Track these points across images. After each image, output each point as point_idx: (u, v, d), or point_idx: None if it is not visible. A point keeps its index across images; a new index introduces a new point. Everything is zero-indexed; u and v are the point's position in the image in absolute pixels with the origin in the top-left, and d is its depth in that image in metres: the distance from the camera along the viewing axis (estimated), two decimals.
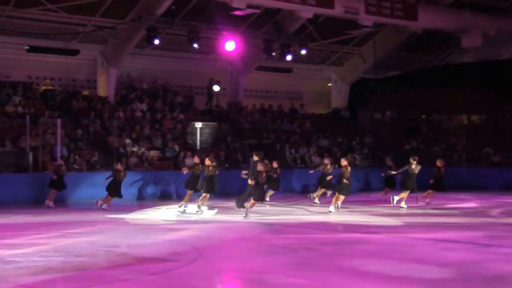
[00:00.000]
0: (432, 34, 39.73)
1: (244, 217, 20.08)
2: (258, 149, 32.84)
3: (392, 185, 27.26)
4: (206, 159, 23.28)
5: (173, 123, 34.17)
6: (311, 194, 26.19)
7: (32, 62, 34.68)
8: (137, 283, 11.12)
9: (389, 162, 28.16)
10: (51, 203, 24.18)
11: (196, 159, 23.52)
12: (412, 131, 41.60)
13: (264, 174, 20.71)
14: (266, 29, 36.29)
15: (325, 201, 25.41)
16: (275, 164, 27.30)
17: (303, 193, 29.66)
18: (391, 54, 42.38)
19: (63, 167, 25.06)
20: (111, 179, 23.69)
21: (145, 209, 23.85)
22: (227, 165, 24.60)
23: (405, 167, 24.62)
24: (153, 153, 31.21)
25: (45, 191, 24.79)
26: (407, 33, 39.22)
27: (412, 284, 10.98)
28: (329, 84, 44.88)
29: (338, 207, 22.64)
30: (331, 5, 32.70)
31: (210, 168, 22.75)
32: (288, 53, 35.90)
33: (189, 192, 23.08)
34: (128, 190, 27.96)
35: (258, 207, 23.56)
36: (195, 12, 33.47)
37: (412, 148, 38.83)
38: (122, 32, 33.59)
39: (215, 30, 33.91)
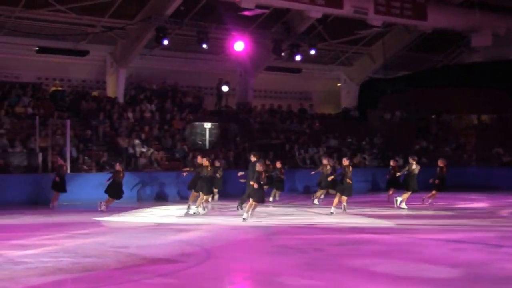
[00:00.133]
0: (442, 34, 39.60)
1: (244, 219, 19.60)
2: (268, 149, 32.98)
3: (397, 186, 26.83)
4: (204, 159, 22.85)
5: (182, 123, 34.17)
6: (314, 195, 26.05)
7: (42, 63, 34.77)
8: (146, 284, 11.09)
9: (392, 162, 27.95)
10: (55, 204, 24.16)
11: (200, 160, 23.05)
12: (421, 131, 41.52)
13: (263, 175, 20.11)
14: (275, 29, 36.27)
15: (324, 202, 25.31)
16: (278, 164, 27.16)
17: (306, 193, 29.51)
18: (401, 54, 42.30)
19: (64, 168, 24.91)
20: (111, 180, 23.24)
21: (150, 210, 23.90)
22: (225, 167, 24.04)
23: (406, 168, 24.41)
24: (162, 154, 31.24)
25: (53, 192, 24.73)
26: (417, 32, 39.16)
27: (422, 284, 10.92)
28: (339, 84, 44.84)
29: (344, 209, 22.21)
30: (340, 5, 32.67)
31: (209, 168, 22.36)
32: (297, 53, 35.87)
33: (194, 193, 22.79)
34: (139, 191, 28.11)
35: (263, 207, 23.57)
36: (204, 12, 33.48)
37: (421, 148, 38.78)
38: (131, 32, 33.64)
39: (224, 30, 33.95)
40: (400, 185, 25.06)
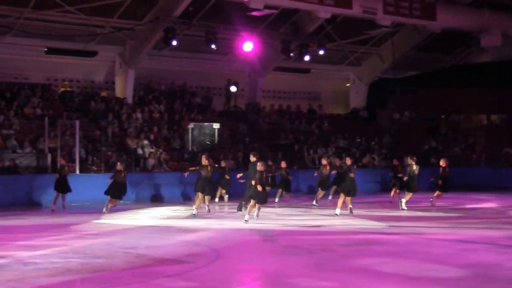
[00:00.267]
0: (451, 34, 39.50)
1: (245, 221, 19.21)
2: (276, 150, 32.94)
3: (399, 186, 26.43)
4: (203, 157, 22.31)
5: (189, 124, 34.05)
6: (319, 197, 25.84)
7: (51, 63, 34.88)
8: (155, 284, 11.09)
9: (395, 161, 27.74)
10: (53, 206, 23.75)
11: (204, 160, 22.20)
12: (431, 131, 41.42)
13: (264, 175, 19.67)
14: (284, 30, 36.26)
15: (323, 203, 25.20)
16: (283, 164, 26.92)
17: (310, 194, 29.38)
18: (410, 54, 42.23)
19: (66, 168, 24.61)
20: (113, 180, 22.70)
21: (159, 210, 23.93)
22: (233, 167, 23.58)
23: (408, 170, 23.91)
24: (170, 154, 31.26)
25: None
26: (426, 32, 39.09)
27: (431, 284, 10.88)
28: (348, 84, 44.80)
29: (351, 212, 21.73)
30: (349, 5, 32.64)
31: (209, 168, 21.78)
32: (306, 53, 35.87)
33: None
34: (144, 191, 28.10)
35: (269, 208, 23.58)
36: (212, 13, 33.50)
37: (431, 149, 38.69)
38: (140, 33, 33.69)
39: (232, 30, 33.97)
40: (402, 186, 24.63)
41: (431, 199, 25.07)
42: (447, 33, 38.97)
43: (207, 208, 22.12)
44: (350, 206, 21.90)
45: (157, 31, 32.44)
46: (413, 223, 19.86)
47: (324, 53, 36.69)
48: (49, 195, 24.98)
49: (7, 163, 26.74)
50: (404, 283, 11.01)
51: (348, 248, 14.87)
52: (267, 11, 32.71)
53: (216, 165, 24.26)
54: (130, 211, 23.67)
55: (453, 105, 42.52)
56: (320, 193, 25.85)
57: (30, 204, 25.08)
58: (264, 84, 40.52)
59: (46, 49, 33.80)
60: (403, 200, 23.51)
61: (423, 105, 43.15)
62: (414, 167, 23.45)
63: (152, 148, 31.01)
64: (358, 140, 38.77)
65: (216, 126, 33.99)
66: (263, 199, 19.73)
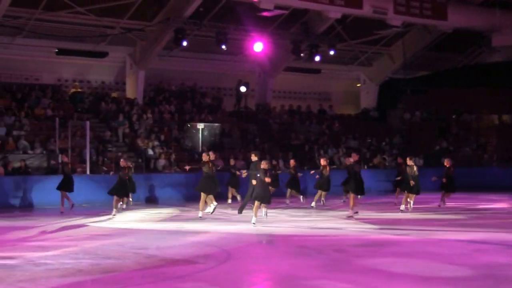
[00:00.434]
0: (462, 34, 39.37)
1: (253, 223, 18.80)
2: (288, 150, 32.86)
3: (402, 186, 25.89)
4: (204, 154, 21.68)
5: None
6: (322, 198, 25.50)
7: (61, 64, 35.00)
8: (166, 285, 11.08)
9: (399, 160, 27.40)
10: (62, 208, 23.36)
11: (205, 157, 21.34)
12: (442, 132, 41.29)
13: (267, 173, 18.98)
14: (294, 30, 36.23)
15: (331, 204, 25.08)
16: (292, 163, 26.58)
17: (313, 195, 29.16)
18: (421, 54, 42.15)
19: (68, 166, 24.02)
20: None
21: (169, 211, 23.92)
22: (219, 168, 22.69)
23: (408, 170, 23.49)
24: (181, 155, 31.27)
25: (74, 193, 24.19)
26: (437, 32, 38.98)
27: (443, 285, 10.83)
28: (358, 85, 44.73)
29: (356, 212, 21.28)
30: (359, 5, 32.61)
31: (210, 165, 20.97)
32: (317, 53, 35.78)
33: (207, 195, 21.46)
34: (154, 192, 28.10)
35: (279, 209, 23.50)
36: (223, 13, 33.53)
37: (442, 149, 38.57)
38: (150, 34, 33.73)
39: (243, 31, 33.95)
40: (403, 188, 24.09)
41: (444, 201, 24.68)
42: (458, 33, 38.85)
43: (212, 208, 21.11)
44: (357, 209, 21.62)
45: (167, 32, 32.46)
46: (424, 223, 19.78)
47: (334, 53, 36.63)
48: (59, 196, 25.05)
49: (17, 164, 26.81)
50: (416, 284, 10.96)
51: (359, 248, 14.82)
52: (277, 12, 32.71)
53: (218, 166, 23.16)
54: (140, 211, 23.67)
55: (464, 105, 42.40)
56: (324, 194, 25.22)
57: (40, 205, 25.09)
58: (275, 85, 40.50)
59: (56, 50, 33.88)
60: (411, 202, 23.23)
61: (434, 105, 43.05)
62: (415, 168, 23.21)
63: (162, 148, 31.03)
64: (369, 140, 38.70)
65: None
66: (266, 199, 19.30)
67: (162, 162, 30.15)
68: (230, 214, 22.60)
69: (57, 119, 28.75)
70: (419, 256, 13.68)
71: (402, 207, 22.94)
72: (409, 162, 23.28)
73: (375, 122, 42.62)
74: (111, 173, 25.78)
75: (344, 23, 36.41)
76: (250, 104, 39.53)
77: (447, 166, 24.46)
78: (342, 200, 26.70)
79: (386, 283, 11.04)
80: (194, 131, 32.98)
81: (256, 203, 19.17)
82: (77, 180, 24.38)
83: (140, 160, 29.45)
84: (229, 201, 26.35)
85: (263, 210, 20.24)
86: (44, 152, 28.12)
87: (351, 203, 21.38)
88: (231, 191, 26.57)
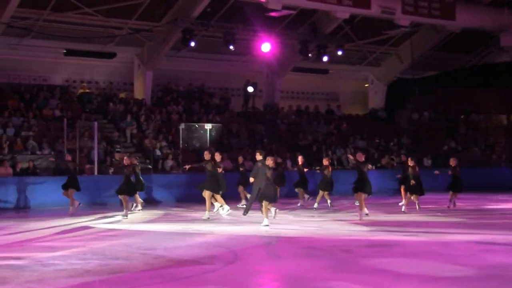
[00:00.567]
0: (471, 33, 39.27)
1: (266, 225, 18.53)
2: (296, 150, 32.80)
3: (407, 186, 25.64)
4: (205, 152, 21.42)
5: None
6: (328, 200, 25.14)
7: (70, 65, 35.10)
8: (174, 285, 11.08)
9: (403, 157, 27.18)
10: (75, 208, 22.80)
11: (207, 155, 21.14)
12: (450, 132, 41.21)
13: (271, 173, 18.87)
14: (302, 30, 36.21)
15: (322, 205, 24.95)
16: (300, 161, 26.26)
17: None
18: (429, 54, 42.07)
19: (73, 164, 23.65)
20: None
21: (176, 211, 23.93)
22: (221, 167, 22.32)
23: (410, 170, 23.36)
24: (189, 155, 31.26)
25: (81, 193, 23.89)
26: (445, 32, 38.91)
27: (450, 285, 10.81)
28: (366, 85, 44.70)
29: (366, 214, 21.09)
30: (367, 5, 32.57)
31: (213, 163, 20.81)
32: (324, 54, 35.78)
33: (216, 195, 21.42)
34: (162, 193, 28.10)
35: (286, 210, 23.46)
36: (230, 13, 33.55)
37: (450, 149, 38.49)
38: (158, 34, 33.77)
39: (251, 31, 33.95)
40: (407, 188, 23.97)
41: (454, 202, 24.49)
42: (467, 33, 38.74)
43: (216, 208, 21.03)
44: (357, 203, 21.55)
45: (175, 32, 32.50)
46: (432, 224, 19.73)
47: (342, 54, 36.63)
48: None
49: (26, 165, 26.89)
50: (424, 284, 10.94)
51: (366, 249, 14.79)
52: (285, 12, 32.70)
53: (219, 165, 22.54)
54: (148, 212, 23.68)
55: (473, 105, 42.31)
56: (326, 194, 24.88)
57: (50, 205, 25.13)
58: (282, 85, 40.50)
59: (65, 51, 33.98)
60: (417, 202, 23.17)
61: (443, 105, 42.98)
62: (417, 168, 23.13)
63: (170, 149, 31.05)
64: (377, 140, 38.65)
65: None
66: (272, 198, 19.05)
67: (169, 162, 30.17)
68: (237, 215, 22.59)
69: (65, 119, 28.81)
70: (426, 256, 13.64)
71: (403, 208, 23.00)
72: (410, 162, 23.28)
73: (383, 122, 42.58)
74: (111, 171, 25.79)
75: (352, 23, 36.36)
76: (258, 105, 39.52)
77: (453, 165, 24.35)
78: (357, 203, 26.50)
79: (393, 283, 11.02)
80: (202, 132, 32.93)
81: (264, 203, 19.00)
82: (85, 181, 24.41)
83: (147, 161, 29.49)
84: (243, 201, 25.39)
85: (272, 210, 20.19)
86: (52, 152, 28.17)
87: (361, 204, 21.16)
88: (242, 192, 25.81)
